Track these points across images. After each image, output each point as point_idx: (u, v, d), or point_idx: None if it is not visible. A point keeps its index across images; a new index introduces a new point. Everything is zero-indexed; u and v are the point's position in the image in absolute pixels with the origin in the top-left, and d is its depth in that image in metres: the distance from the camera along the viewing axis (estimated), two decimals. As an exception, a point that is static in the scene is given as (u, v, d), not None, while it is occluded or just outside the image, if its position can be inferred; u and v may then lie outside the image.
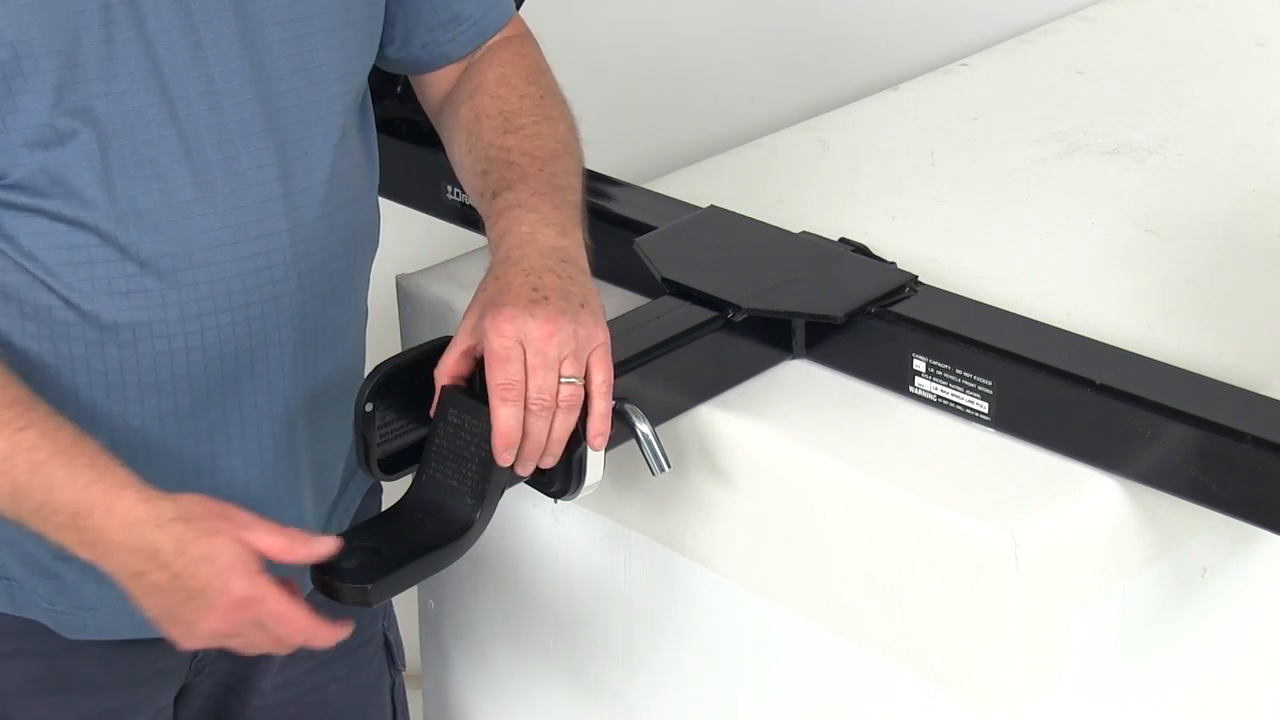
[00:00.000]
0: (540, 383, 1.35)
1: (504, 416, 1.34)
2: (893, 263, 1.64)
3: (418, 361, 1.44)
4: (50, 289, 1.35)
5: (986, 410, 1.51)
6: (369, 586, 1.36)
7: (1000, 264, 1.76)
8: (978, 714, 1.47)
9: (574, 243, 1.44)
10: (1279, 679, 1.82)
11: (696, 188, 1.86)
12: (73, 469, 1.28)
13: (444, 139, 1.59)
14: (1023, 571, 1.39)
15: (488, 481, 1.38)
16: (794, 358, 1.62)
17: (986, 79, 2.28)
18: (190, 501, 1.30)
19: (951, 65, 2.33)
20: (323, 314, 1.46)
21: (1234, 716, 1.79)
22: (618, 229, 1.69)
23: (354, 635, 1.64)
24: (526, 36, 1.62)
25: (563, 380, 1.35)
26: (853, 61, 2.55)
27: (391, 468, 1.45)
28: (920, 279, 1.60)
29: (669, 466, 1.47)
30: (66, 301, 1.36)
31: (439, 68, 1.57)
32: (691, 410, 1.56)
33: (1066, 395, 1.47)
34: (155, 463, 1.38)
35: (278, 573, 1.31)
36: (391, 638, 1.74)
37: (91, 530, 1.28)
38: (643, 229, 1.69)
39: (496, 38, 1.59)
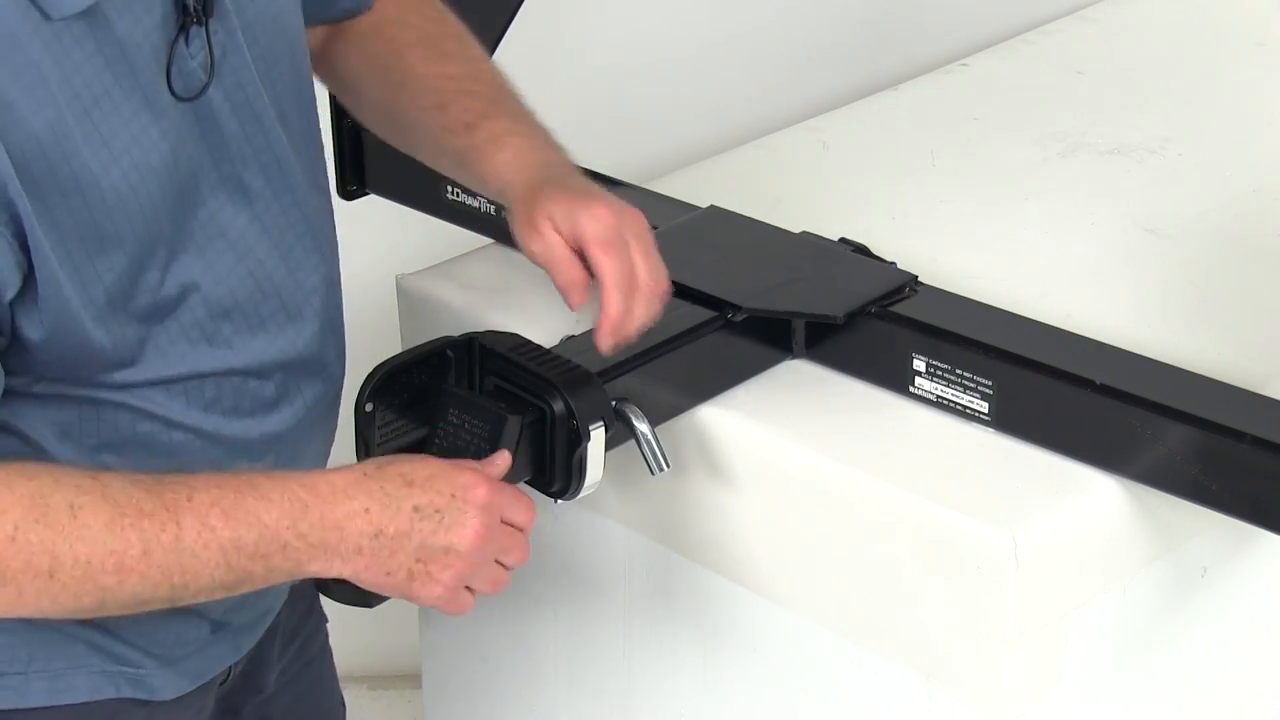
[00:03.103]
0: (649, 266, 1.39)
1: (615, 302, 1.37)
2: (893, 263, 1.64)
3: (418, 361, 1.44)
4: (186, 428, 1.35)
5: (986, 410, 1.50)
6: (369, 586, 1.36)
7: (1000, 264, 1.76)
8: (978, 714, 1.47)
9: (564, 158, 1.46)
10: (1279, 679, 1.82)
11: (696, 188, 1.86)
12: (261, 490, 1.27)
13: (342, 77, 1.55)
14: (1023, 571, 1.39)
15: (487, 481, 1.38)
16: (794, 358, 1.62)
17: (986, 79, 2.28)
18: (387, 457, 1.33)
19: (951, 65, 2.33)
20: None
21: (1234, 716, 1.79)
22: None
23: (309, 607, 1.66)
24: None
25: None
26: (853, 61, 2.55)
27: (391, 468, 1.45)
28: (920, 279, 1.60)
29: (668, 466, 1.47)
30: (199, 433, 1.36)
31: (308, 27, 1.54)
32: (691, 410, 1.56)
33: (1066, 395, 1.47)
34: None
35: None
36: (318, 595, 1.74)
37: (321, 527, 1.28)
38: (643, 229, 1.69)
39: None
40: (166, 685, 1.44)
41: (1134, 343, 1.53)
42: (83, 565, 1.22)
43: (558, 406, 1.41)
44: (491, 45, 1.65)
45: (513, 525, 1.35)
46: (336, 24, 1.54)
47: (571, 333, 1.55)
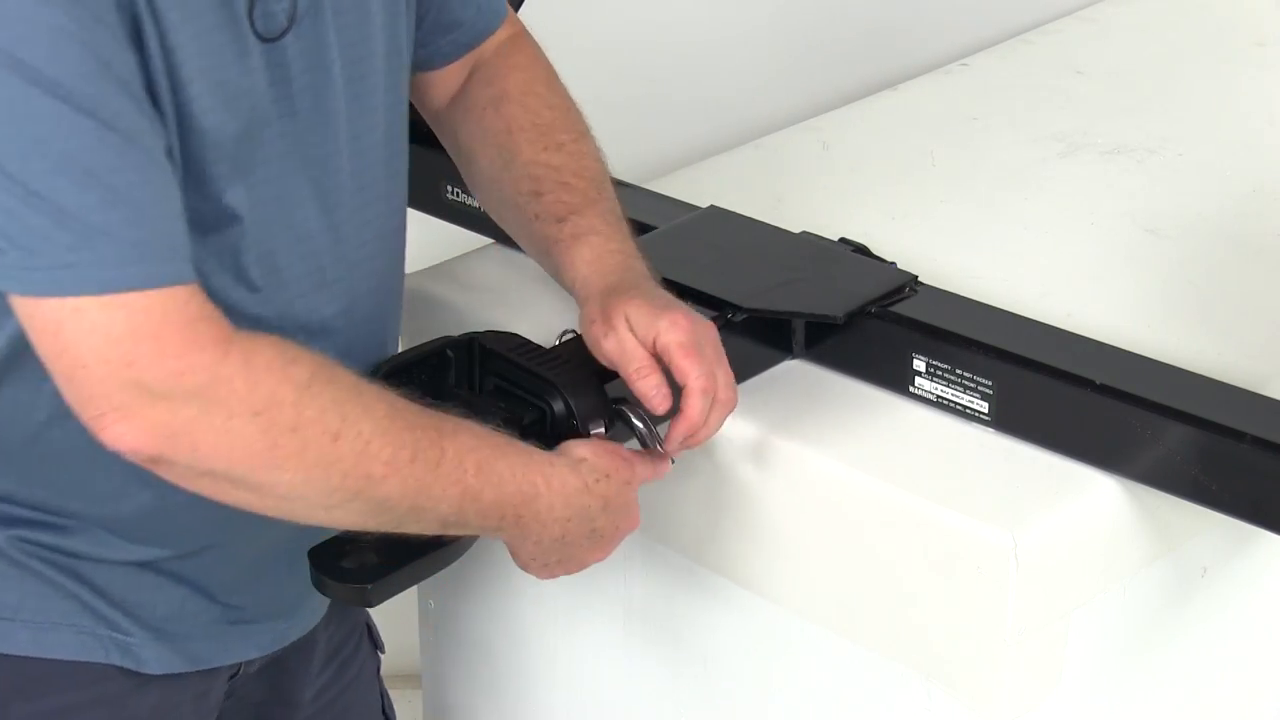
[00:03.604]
0: (727, 378, 1.42)
1: (700, 409, 1.40)
2: (893, 263, 1.64)
3: (418, 361, 1.44)
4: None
5: (986, 410, 1.50)
6: (369, 587, 1.36)
7: (1000, 264, 1.76)
8: (978, 714, 1.47)
9: (643, 267, 1.48)
10: (1279, 679, 1.82)
11: (696, 188, 1.86)
12: (510, 460, 1.32)
13: (458, 144, 1.59)
14: (1023, 571, 1.39)
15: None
16: (794, 358, 1.62)
17: (986, 79, 2.28)
18: (599, 455, 1.38)
19: (951, 65, 2.33)
20: None
21: (1234, 716, 1.79)
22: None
23: (354, 629, 1.67)
24: (526, 34, 1.62)
25: None
26: (853, 61, 2.55)
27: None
28: (920, 279, 1.60)
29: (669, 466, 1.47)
30: None
31: (435, 69, 1.57)
32: (691, 410, 1.55)
33: (1066, 395, 1.47)
34: None
35: None
36: (370, 622, 1.74)
37: (533, 513, 1.34)
38: (643, 229, 1.69)
39: (500, 35, 1.59)
40: (156, 659, 1.43)
41: (1134, 343, 1.53)
42: (364, 441, 1.23)
43: (558, 406, 1.41)
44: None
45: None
46: (470, 54, 1.57)
47: (574, 329, 1.55)
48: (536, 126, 1.53)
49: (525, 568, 1.41)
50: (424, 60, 1.56)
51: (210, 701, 1.52)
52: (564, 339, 1.52)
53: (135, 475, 1.27)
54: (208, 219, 1.29)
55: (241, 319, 1.27)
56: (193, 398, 1.18)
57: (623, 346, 1.41)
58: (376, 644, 1.75)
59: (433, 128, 1.62)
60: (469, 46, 1.57)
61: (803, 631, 1.57)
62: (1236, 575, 1.66)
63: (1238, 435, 1.39)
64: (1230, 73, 2.29)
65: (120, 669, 1.42)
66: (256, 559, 1.44)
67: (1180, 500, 1.44)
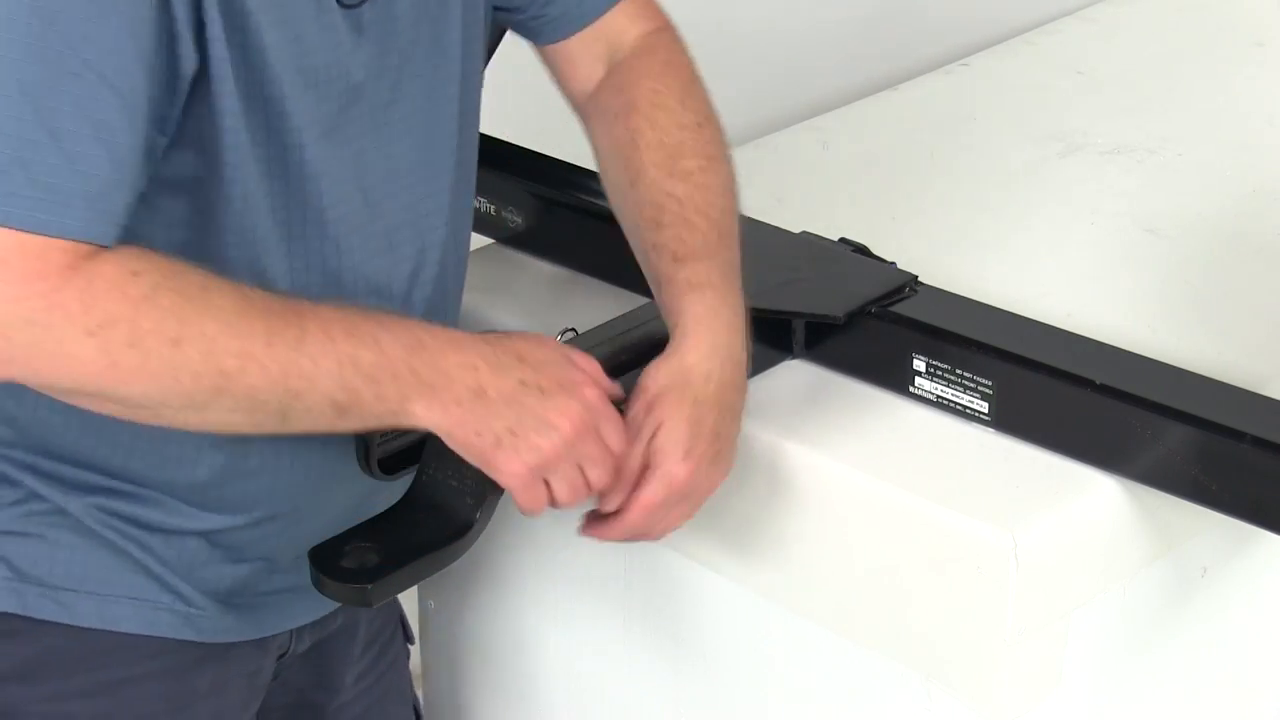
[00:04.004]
0: (675, 519, 1.40)
1: (639, 525, 1.39)
2: (893, 263, 1.64)
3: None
4: None
5: (986, 410, 1.50)
6: (369, 586, 1.36)
7: (1000, 264, 1.76)
8: (978, 714, 1.47)
9: (743, 340, 1.44)
10: (1279, 679, 1.82)
11: (696, 188, 1.86)
12: (381, 318, 1.29)
13: (593, 146, 1.55)
14: (1023, 571, 1.39)
15: (487, 482, 1.38)
16: (794, 358, 1.62)
17: (986, 79, 2.28)
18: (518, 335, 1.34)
19: (951, 65, 2.33)
20: None
21: (1234, 716, 1.79)
22: (618, 229, 1.69)
23: (392, 616, 1.70)
24: (666, 31, 1.56)
25: None
26: (853, 61, 2.55)
27: (391, 468, 1.45)
28: (920, 279, 1.60)
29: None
30: None
31: (549, 44, 1.54)
32: (691, 410, 1.55)
33: (1066, 395, 1.47)
34: None
35: None
36: (404, 614, 1.76)
37: (427, 363, 1.28)
38: (643, 229, 1.69)
39: (634, 29, 1.54)
40: (216, 628, 1.45)
41: (1134, 343, 1.53)
42: (209, 340, 1.22)
43: (558, 406, 1.41)
44: (492, 47, 1.65)
45: (605, 443, 1.35)
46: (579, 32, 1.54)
47: (574, 327, 1.55)
48: (664, 147, 1.48)
49: (488, 460, 1.32)
50: (533, 30, 1.54)
51: (260, 680, 1.54)
52: (564, 339, 1.52)
53: (207, 441, 1.31)
54: (276, 170, 1.31)
55: (312, 274, 1.32)
56: (26, 324, 1.19)
57: (633, 434, 1.38)
58: (408, 636, 1.76)
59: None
60: (577, 20, 1.53)
61: (803, 631, 1.56)
62: (1236, 575, 1.66)
63: (1238, 435, 1.39)
64: (1230, 73, 2.29)
65: (180, 642, 1.44)
66: (322, 527, 1.44)
67: (1180, 500, 1.44)
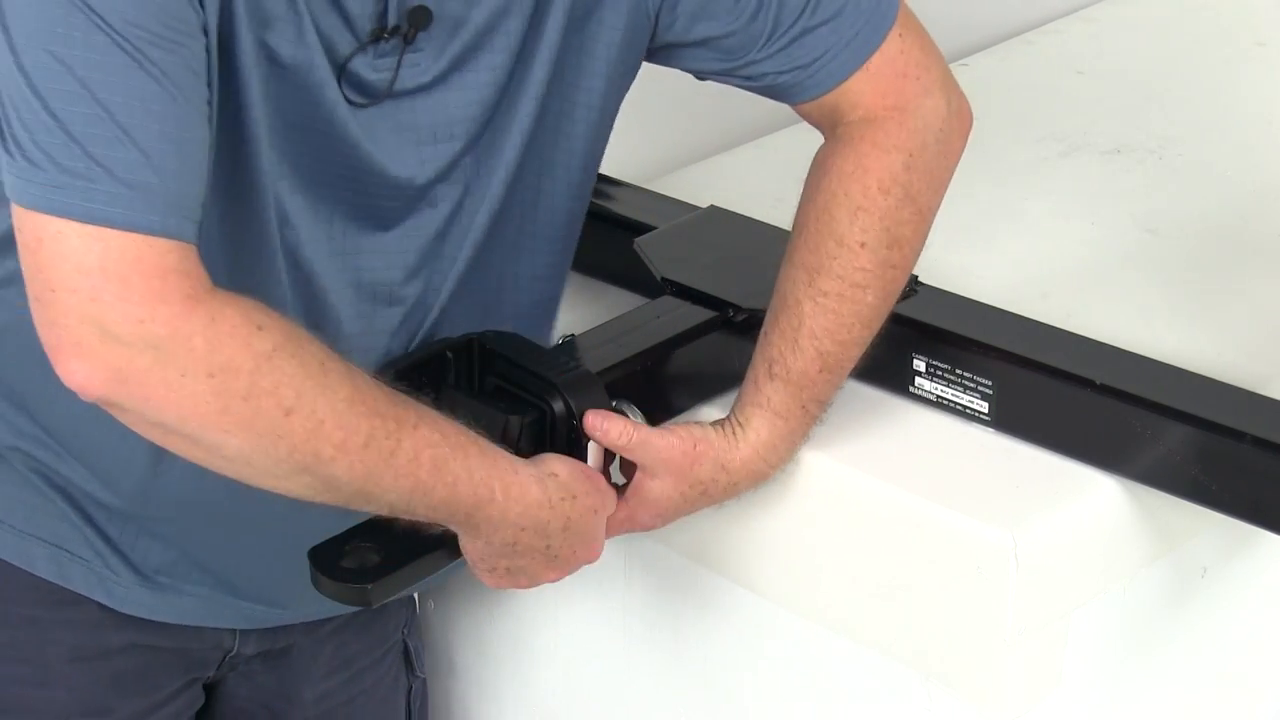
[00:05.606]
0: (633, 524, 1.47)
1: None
2: (893, 263, 1.64)
3: (419, 363, 1.44)
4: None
5: (986, 410, 1.50)
6: (369, 586, 1.36)
7: (1000, 264, 1.76)
8: (978, 714, 1.47)
9: (775, 469, 1.48)
10: (1279, 679, 1.82)
11: (696, 188, 1.86)
12: (470, 461, 1.30)
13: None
14: (1023, 571, 1.39)
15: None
16: (794, 358, 1.61)
17: (986, 79, 2.28)
18: (573, 476, 1.36)
19: (951, 65, 2.33)
20: None
21: (1234, 716, 1.79)
22: (618, 229, 1.69)
23: (379, 644, 1.66)
24: (893, 117, 1.48)
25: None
26: (853, 61, 2.55)
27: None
28: (920, 279, 1.60)
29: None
30: None
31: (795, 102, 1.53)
32: (691, 410, 1.55)
33: (1066, 395, 1.47)
34: None
35: None
36: (411, 645, 1.74)
37: (485, 517, 1.31)
38: (643, 229, 1.69)
39: (863, 107, 1.49)
40: (134, 602, 1.46)
41: (1134, 343, 1.53)
42: (317, 421, 1.22)
43: (558, 406, 1.41)
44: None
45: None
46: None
47: (572, 331, 1.55)
48: (814, 254, 1.43)
49: (473, 567, 1.39)
50: (758, 89, 1.55)
51: (193, 660, 1.53)
52: (564, 339, 1.52)
53: (142, 445, 1.28)
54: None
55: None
56: (150, 348, 1.16)
57: (622, 448, 1.42)
58: (411, 667, 1.75)
59: None
60: (797, 94, 1.53)
61: (803, 631, 1.56)
62: (1236, 575, 1.66)
63: (1238, 435, 1.39)
64: (1231, 73, 2.29)
65: (99, 605, 1.45)
66: (257, 543, 1.45)
67: (1180, 500, 1.44)
